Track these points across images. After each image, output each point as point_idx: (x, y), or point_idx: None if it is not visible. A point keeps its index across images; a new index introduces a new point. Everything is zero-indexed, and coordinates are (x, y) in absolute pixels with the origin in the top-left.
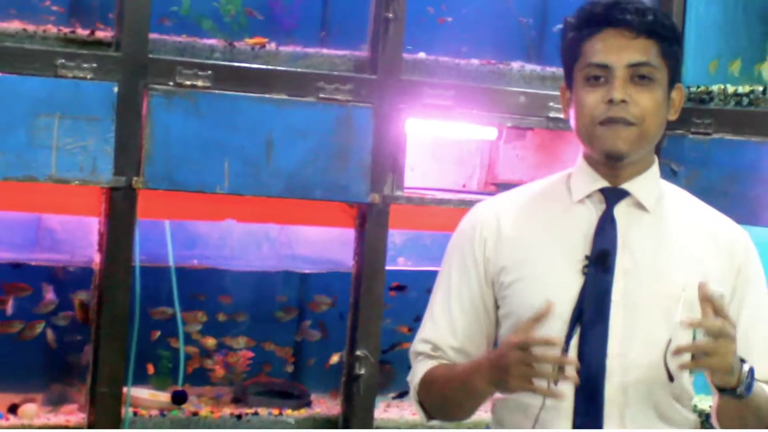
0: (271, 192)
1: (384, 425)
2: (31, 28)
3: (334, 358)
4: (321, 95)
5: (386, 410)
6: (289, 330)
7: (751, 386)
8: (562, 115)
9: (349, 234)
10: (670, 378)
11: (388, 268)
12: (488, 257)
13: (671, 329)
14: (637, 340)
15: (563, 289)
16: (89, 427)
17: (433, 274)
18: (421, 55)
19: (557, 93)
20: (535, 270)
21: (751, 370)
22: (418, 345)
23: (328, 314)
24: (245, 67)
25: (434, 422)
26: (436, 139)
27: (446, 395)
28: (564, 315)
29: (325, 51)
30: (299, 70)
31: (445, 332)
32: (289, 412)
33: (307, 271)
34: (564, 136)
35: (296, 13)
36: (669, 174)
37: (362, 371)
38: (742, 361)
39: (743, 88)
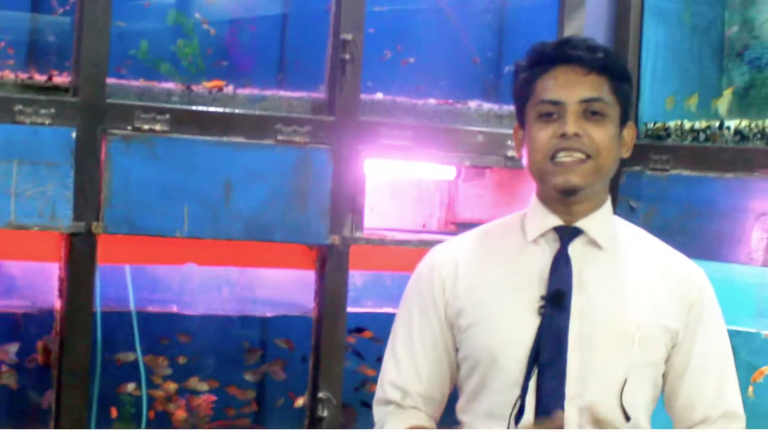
0: (231, 235)
1: None
2: None
3: (299, 402)
4: (279, 137)
5: None
6: (251, 373)
7: None
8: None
9: (309, 276)
10: (627, 418)
11: (349, 309)
12: (447, 300)
13: (627, 369)
14: (593, 381)
15: (520, 330)
16: None
17: (394, 317)
18: (379, 95)
19: None
20: (492, 312)
21: None
22: (388, 390)
23: (290, 357)
24: (203, 110)
25: None
26: (395, 179)
27: None
28: (521, 357)
29: (282, 93)
30: (257, 112)
31: (410, 377)
32: None
33: (268, 315)
34: (523, 174)
35: (253, 55)
36: (627, 211)
37: (325, 413)
38: None
39: (700, 124)
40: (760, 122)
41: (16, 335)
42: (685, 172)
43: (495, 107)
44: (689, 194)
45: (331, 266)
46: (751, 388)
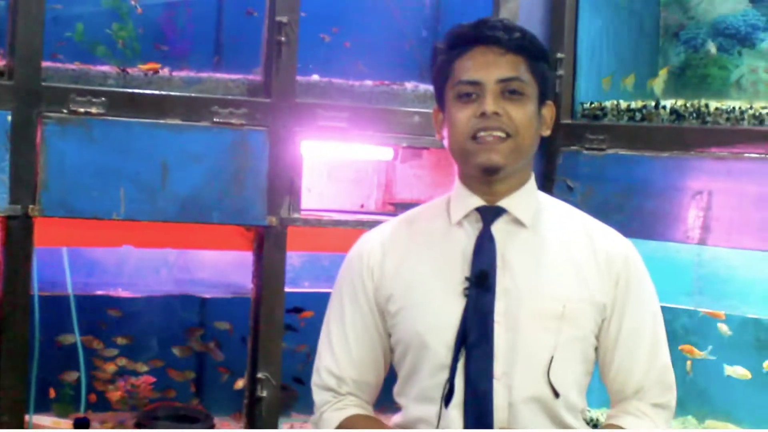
0: (168, 217)
1: None
2: None
3: (239, 383)
4: (215, 119)
5: None
6: (190, 353)
7: None
8: None
9: (247, 257)
10: (556, 394)
11: (287, 290)
12: (376, 286)
13: (554, 346)
14: (520, 360)
15: (446, 313)
16: None
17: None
18: (315, 77)
19: None
20: (419, 296)
21: None
22: (324, 376)
23: (229, 338)
24: (139, 93)
25: None
26: (332, 160)
27: None
28: (449, 339)
29: (218, 75)
30: (193, 94)
31: (345, 363)
32: None
33: (206, 296)
34: None
35: (189, 38)
36: (565, 190)
37: (264, 393)
38: None
39: (636, 104)
40: (695, 102)
41: None
42: (622, 152)
43: (431, 88)
44: (626, 173)
45: (268, 247)
46: (689, 364)
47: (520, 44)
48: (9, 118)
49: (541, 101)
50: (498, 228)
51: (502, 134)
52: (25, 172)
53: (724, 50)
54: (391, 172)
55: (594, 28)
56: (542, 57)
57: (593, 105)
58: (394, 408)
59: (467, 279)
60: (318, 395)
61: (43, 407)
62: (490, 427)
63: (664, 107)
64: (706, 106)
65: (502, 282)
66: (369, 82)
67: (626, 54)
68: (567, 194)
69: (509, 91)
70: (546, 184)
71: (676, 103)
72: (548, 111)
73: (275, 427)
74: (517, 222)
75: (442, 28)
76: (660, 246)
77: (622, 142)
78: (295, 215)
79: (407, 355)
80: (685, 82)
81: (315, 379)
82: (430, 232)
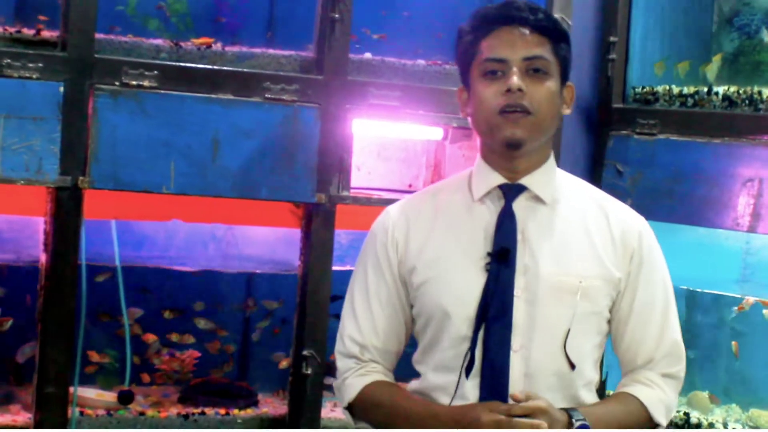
0: (217, 192)
1: (331, 425)
2: None
3: (283, 362)
4: (267, 95)
5: (333, 410)
6: (235, 330)
7: None
8: None
9: (295, 234)
10: (572, 366)
11: (334, 268)
12: (400, 259)
13: (570, 320)
14: (538, 333)
15: (468, 287)
16: (36, 426)
17: None
18: (367, 55)
19: None
20: (442, 270)
21: (579, 428)
22: (347, 343)
23: (274, 315)
24: (191, 67)
25: None
26: (382, 139)
27: (394, 426)
28: (470, 312)
29: (271, 51)
30: (245, 70)
31: (368, 331)
32: (236, 411)
33: (257, 271)
34: None
35: (242, 13)
36: (614, 174)
37: (309, 371)
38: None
39: (688, 89)
40: (748, 88)
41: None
42: (673, 137)
43: None
44: (676, 159)
45: (317, 224)
46: (735, 345)
47: (545, 25)
48: (61, 89)
49: (562, 82)
50: (519, 205)
51: (525, 111)
52: (75, 144)
53: None
54: (440, 152)
55: (647, 13)
56: (564, 39)
57: (645, 89)
58: (411, 376)
59: (488, 254)
60: (341, 362)
61: (87, 379)
62: (505, 397)
63: (716, 93)
64: (759, 93)
65: (522, 258)
66: (421, 62)
67: (679, 39)
68: (616, 178)
69: (533, 69)
70: (595, 168)
71: (728, 89)
72: (568, 92)
73: (319, 404)
74: (537, 199)
75: None
76: (709, 233)
77: (674, 128)
78: (345, 193)
79: (429, 326)
80: (738, 68)
81: (338, 347)
82: (453, 207)
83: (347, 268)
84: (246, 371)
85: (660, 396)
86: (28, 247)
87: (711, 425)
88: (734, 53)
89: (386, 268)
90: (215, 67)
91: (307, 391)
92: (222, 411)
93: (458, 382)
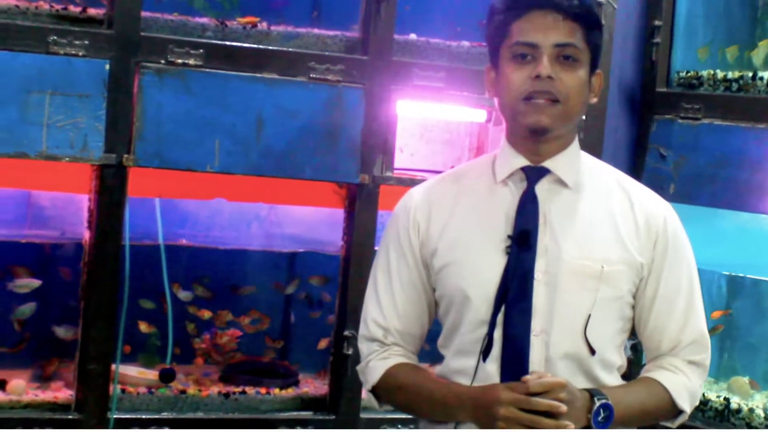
0: (261, 171)
1: (371, 405)
2: (23, 4)
3: (323, 343)
4: (312, 75)
5: None
6: (277, 309)
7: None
8: None
9: (338, 214)
10: (592, 351)
11: (377, 248)
12: (422, 241)
13: (591, 305)
14: (558, 317)
15: (488, 270)
16: (77, 403)
17: None
18: (412, 36)
19: None
20: (463, 253)
21: (601, 408)
22: (371, 327)
23: (316, 294)
24: (237, 46)
25: None
26: (426, 120)
27: (417, 408)
28: (490, 295)
29: (316, 31)
30: (291, 49)
31: (391, 315)
32: (276, 391)
33: (300, 251)
34: None
35: None
36: (657, 158)
37: (350, 351)
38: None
39: (733, 74)
40: None
41: (44, 266)
42: (717, 122)
43: None
44: (720, 143)
45: (360, 205)
46: None
47: (578, 12)
48: (107, 67)
49: (592, 70)
50: (541, 188)
51: (552, 98)
52: (121, 122)
53: None
54: (483, 134)
55: None
56: (597, 26)
57: (689, 74)
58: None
59: (509, 237)
60: (364, 345)
61: (129, 357)
62: None
63: (761, 78)
64: None
65: (543, 241)
66: (466, 43)
67: (723, 24)
68: (660, 162)
69: (564, 56)
70: (638, 152)
71: None
72: (597, 80)
73: (359, 385)
74: (561, 182)
75: None
76: (752, 218)
77: (718, 112)
78: (388, 174)
79: (450, 309)
80: None
81: (362, 330)
82: (475, 189)
83: None
84: (287, 351)
85: (684, 382)
86: (73, 224)
87: (751, 410)
88: None
89: (408, 250)
90: (260, 47)
91: (347, 371)
92: (263, 390)
93: (476, 365)
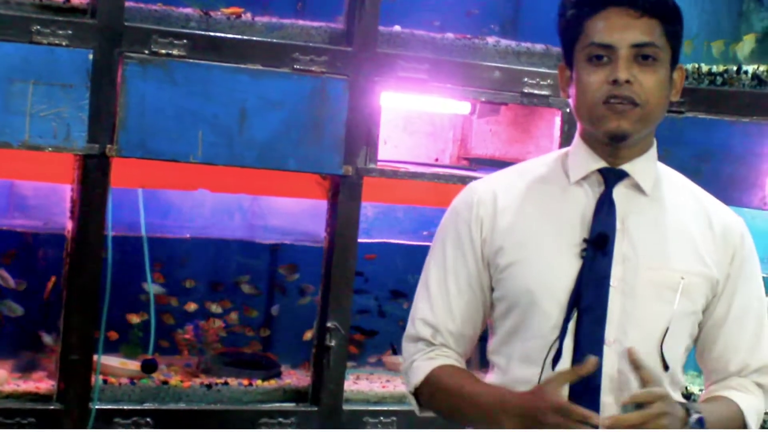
0: (244, 162)
1: (354, 397)
2: None
3: (308, 334)
4: (296, 66)
5: (356, 382)
6: (260, 300)
7: None
8: (536, 91)
9: (321, 206)
10: (665, 367)
11: (360, 240)
12: (485, 238)
13: (669, 318)
14: (634, 328)
15: (560, 272)
16: (59, 394)
17: (404, 248)
18: (397, 28)
19: (532, 69)
20: (532, 253)
21: (696, 422)
22: (419, 327)
23: (298, 286)
24: (221, 36)
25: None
26: (410, 112)
27: (459, 413)
28: (561, 299)
29: (300, 22)
30: (274, 40)
31: (443, 314)
32: (259, 382)
33: (283, 242)
34: (537, 111)
35: None
36: None
37: (332, 343)
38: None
39: (717, 68)
40: None
41: (27, 255)
42: (701, 115)
43: (513, 44)
44: (704, 137)
45: (343, 197)
46: None
47: (656, 7)
48: (90, 56)
49: (672, 65)
50: (619, 192)
51: (632, 102)
52: (104, 112)
53: None
54: (468, 127)
55: None
56: (677, 19)
57: None
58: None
59: (585, 240)
60: (410, 345)
61: (111, 348)
62: (597, 393)
63: (746, 72)
64: None
65: (621, 247)
66: (451, 35)
67: (708, 18)
68: None
69: (642, 56)
70: None
71: (758, 68)
72: (678, 75)
73: (342, 377)
74: (638, 188)
75: None
76: (735, 212)
77: (702, 106)
78: (372, 166)
79: (511, 312)
80: (767, 47)
81: (409, 330)
82: (546, 188)
83: (373, 240)
84: (270, 342)
85: (754, 402)
86: (55, 215)
87: None
88: (764, 32)
89: (468, 247)
90: (244, 37)
91: (330, 363)
92: (245, 382)
93: (540, 374)
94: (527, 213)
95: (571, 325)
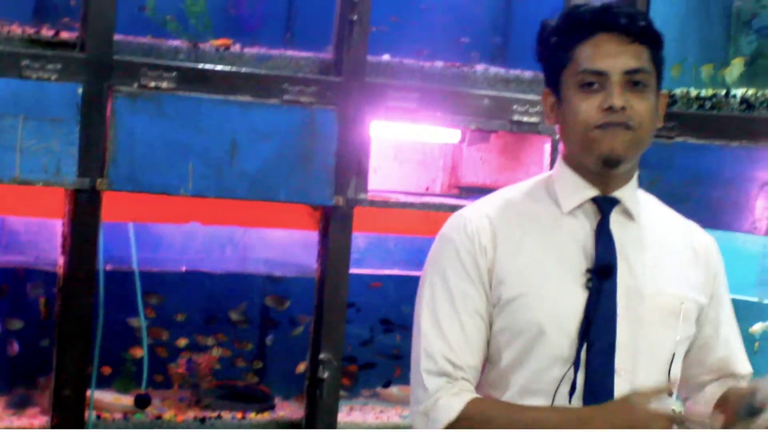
0: (235, 194)
1: (348, 428)
2: None
3: (301, 367)
4: (285, 97)
5: (349, 414)
6: (253, 333)
7: None
8: (525, 119)
9: (313, 237)
10: (670, 393)
11: (351, 271)
12: (489, 267)
13: (674, 344)
14: (643, 356)
15: (568, 305)
16: (53, 429)
17: (396, 279)
18: (386, 57)
19: (521, 96)
20: (537, 285)
21: None
22: (440, 362)
23: (291, 318)
24: (210, 68)
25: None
26: (400, 141)
27: None
28: (570, 331)
29: (289, 53)
30: (263, 71)
31: (461, 348)
32: (252, 415)
33: (275, 274)
34: (527, 138)
35: (260, 14)
36: None
37: (325, 375)
38: None
39: (706, 92)
40: (766, 91)
41: (18, 291)
42: (691, 140)
43: (502, 71)
44: (694, 162)
45: (334, 227)
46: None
47: (644, 33)
48: (80, 90)
49: (657, 90)
50: (613, 220)
51: (626, 128)
52: (94, 146)
53: None
54: (458, 155)
55: (665, 15)
56: (661, 45)
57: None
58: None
59: (588, 271)
60: (431, 381)
61: (104, 383)
62: None
63: (734, 96)
64: None
65: (623, 276)
66: (439, 64)
67: (696, 42)
68: None
69: (633, 82)
70: None
71: (747, 92)
72: (662, 101)
73: (335, 408)
74: (627, 214)
75: (514, 10)
76: (726, 236)
77: (691, 131)
78: (362, 196)
79: (512, 344)
80: (756, 71)
81: (427, 365)
82: (537, 217)
83: (364, 271)
84: (263, 374)
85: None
86: (46, 250)
87: None
88: (752, 56)
89: (475, 276)
90: (233, 69)
91: (323, 394)
92: (239, 415)
93: (551, 405)
94: (527, 244)
95: (582, 356)
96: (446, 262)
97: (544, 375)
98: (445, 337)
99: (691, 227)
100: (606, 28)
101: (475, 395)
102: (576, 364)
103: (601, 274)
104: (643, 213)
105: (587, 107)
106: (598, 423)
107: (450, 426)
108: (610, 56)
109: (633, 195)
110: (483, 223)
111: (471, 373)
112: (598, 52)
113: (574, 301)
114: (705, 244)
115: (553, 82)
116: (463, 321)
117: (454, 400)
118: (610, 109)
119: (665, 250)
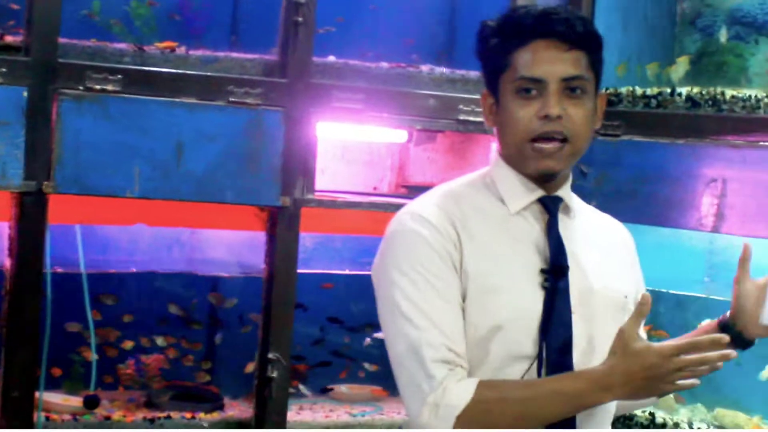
0: (182, 196)
1: (297, 427)
2: None
3: (250, 367)
4: (231, 99)
5: (299, 413)
6: (201, 333)
7: None
8: (471, 118)
9: (260, 237)
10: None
11: (299, 271)
12: (459, 260)
13: None
14: (597, 353)
15: (527, 304)
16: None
17: (345, 278)
18: (331, 58)
19: (467, 96)
20: (496, 283)
21: None
22: (442, 351)
23: (239, 318)
24: (155, 71)
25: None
26: (346, 141)
27: (537, 413)
28: (531, 330)
29: (235, 55)
30: (209, 74)
31: (456, 337)
32: (202, 415)
33: (222, 275)
34: (474, 138)
35: (206, 16)
36: (578, 175)
37: (274, 374)
38: None
39: (652, 90)
40: (711, 89)
41: None
42: (637, 138)
43: (447, 71)
44: (640, 160)
45: (281, 228)
46: None
47: (582, 39)
48: (25, 94)
49: (595, 93)
50: (559, 219)
51: (560, 140)
52: (39, 149)
53: (741, 38)
54: (405, 154)
55: (609, 15)
56: (600, 48)
57: (608, 91)
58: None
59: (542, 271)
60: (437, 369)
61: (54, 384)
62: (573, 419)
63: (680, 94)
64: (722, 93)
65: (573, 275)
66: (385, 64)
67: (641, 41)
68: (580, 180)
69: (571, 89)
70: None
71: (692, 90)
72: (601, 102)
73: (285, 407)
74: (568, 211)
75: (459, 11)
76: (673, 233)
77: (637, 129)
78: (309, 196)
79: (476, 340)
80: (700, 69)
81: (431, 354)
82: (488, 215)
83: (312, 271)
84: (212, 375)
85: None
86: None
87: (676, 425)
88: (697, 54)
89: (451, 265)
90: (179, 71)
91: (272, 394)
92: (188, 415)
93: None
94: (485, 241)
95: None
96: (420, 254)
97: (505, 372)
98: (438, 328)
99: (614, 222)
100: (544, 35)
101: (474, 379)
102: (540, 363)
103: (557, 274)
104: (577, 211)
105: (524, 114)
106: (617, 379)
107: (465, 411)
108: (548, 63)
109: (570, 192)
110: (441, 217)
111: (463, 360)
112: (535, 58)
113: (531, 300)
114: (628, 237)
115: (492, 85)
116: (452, 309)
117: (464, 384)
118: (547, 117)
119: (603, 247)
